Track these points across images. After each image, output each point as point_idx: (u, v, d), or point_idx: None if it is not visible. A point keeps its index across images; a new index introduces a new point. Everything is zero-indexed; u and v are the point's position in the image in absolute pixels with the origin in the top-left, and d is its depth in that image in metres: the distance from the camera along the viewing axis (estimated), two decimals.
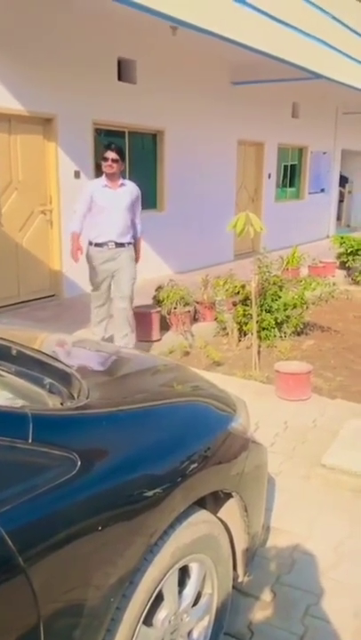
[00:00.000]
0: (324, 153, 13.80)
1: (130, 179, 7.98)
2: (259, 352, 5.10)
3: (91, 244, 4.79)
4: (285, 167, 12.58)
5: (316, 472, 3.06)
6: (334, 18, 8.37)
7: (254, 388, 4.36)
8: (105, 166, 4.71)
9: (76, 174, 7.10)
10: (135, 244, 4.94)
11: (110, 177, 4.71)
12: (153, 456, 1.48)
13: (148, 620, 1.48)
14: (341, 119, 13.91)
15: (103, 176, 4.77)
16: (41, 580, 1.12)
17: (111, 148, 4.74)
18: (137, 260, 4.97)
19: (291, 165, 12.79)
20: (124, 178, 4.92)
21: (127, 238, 4.82)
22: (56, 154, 6.81)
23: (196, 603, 1.73)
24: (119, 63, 7.60)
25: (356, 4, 9.37)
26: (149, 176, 8.54)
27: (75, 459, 1.25)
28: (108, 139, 7.74)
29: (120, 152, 4.78)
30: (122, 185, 4.80)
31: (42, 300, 6.90)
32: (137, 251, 4.98)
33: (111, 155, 4.68)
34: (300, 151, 12.98)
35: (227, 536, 1.83)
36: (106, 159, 4.70)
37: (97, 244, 4.74)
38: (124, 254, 4.79)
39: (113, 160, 4.67)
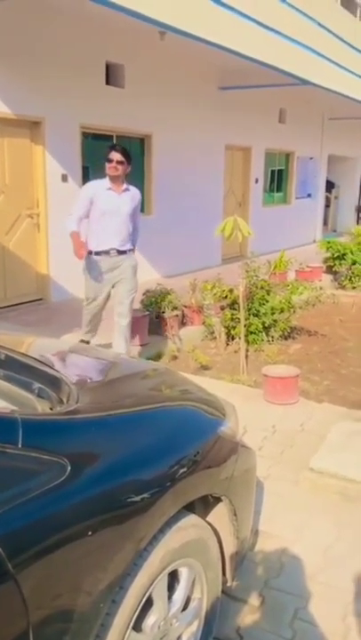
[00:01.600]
0: (311, 158, 13.91)
1: None
2: (246, 356, 5.11)
3: (89, 253, 4.46)
4: (273, 172, 12.66)
5: (305, 476, 3.07)
6: (320, 25, 8.47)
7: (242, 391, 4.36)
8: (109, 168, 4.37)
9: (64, 178, 7.09)
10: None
11: (114, 180, 4.40)
12: (143, 461, 1.47)
13: (137, 626, 1.47)
14: (328, 125, 14.03)
15: (106, 178, 4.44)
16: (30, 586, 1.11)
17: (116, 149, 4.43)
18: None
19: (278, 170, 12.87)
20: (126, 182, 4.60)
21: (129, 245, 4.57)
22: (43, 157, 6.79)
23: (185, 607, 1.72)
24: (107, 67, 7.61)
25: (341, 12, 9.48)
26: (137, 180, 8.52)
27: (65, 464, 1.25)
28: (95, 142, 7.75)
29: (126, 153, 4.43)
30: (126, 190, 4.50)
31: (29, 304, 6.87)
32: None
33: (116, 156, 4.35)
34: (287, 156, 13.07)
35: (216, 540, 1.83)
36: (110, 160, 4.36)
37: (97, 253, 4.44)
38: (126, 263, 4.52)
39: (118, 162, 4.35)
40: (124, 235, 4.50)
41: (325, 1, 8.92)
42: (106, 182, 4.44)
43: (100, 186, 4.46)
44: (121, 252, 4.49)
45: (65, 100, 6.90)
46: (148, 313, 5.64)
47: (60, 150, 6.97)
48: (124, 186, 4.48)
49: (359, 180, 17.62)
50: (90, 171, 7.56)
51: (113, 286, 4.54)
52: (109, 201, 4.39)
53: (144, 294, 5.89)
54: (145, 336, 5.51)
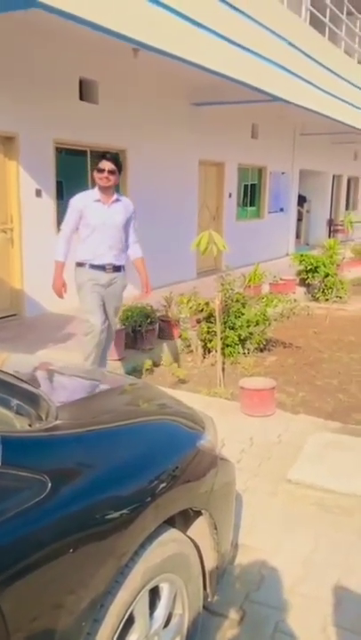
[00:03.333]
0: (283, 173, 14.14)
1: None
2: (223, 369, 5.13)
3: (82, 265, 4.20)
4: (246, 187, 12.83)
5: (283, 487, 3.09)
6: (290, 44, 8.66)
7: (219, 404, 4.38)
8: (100, 179, 4.11)
9: (38, 193, 7.07)
10: (138, 266, 4.44)
11: (105, 191, 4.16)
12: (124, 476, 1.47)
13: None
14: (299, 140, 14.30)
15: (95, 189, 4.21)
16: (11, 606, 1.10)
17: (107, 158, 4.14)
18: (147, 288, 4.46)
19: (251, 185, 13.05)
20: (118, 192, 4.39)
21: (123, 261, 4.32)
22: (17, 172, 6.77)
23: (167, 624, 1.71)
24: (81, 83, 7.65)
25: (310, 31, 9.72)
26: None
27: (45, 480, 1.24)
28: (69, 158, 7.76)
29: (117, 162, 4.18)
30: (116, 200, 4.23)
31: (3, 320, 6.79)
32: (143, 276, 4.44)
33: (107, 165, 4.09)
34: (260, 171, 13.26)
35: (197, 555, 1.83)
36: (101, 170, 4.09)
37: (93, 266, 4.18)
38: (119, 282, 4.30)
39: (110, 171, 4.08)
40: (119, 249, 4.26)
41: (296, 21, 9.13)
42: (94, 193, 4.21)
43: (88, 198, 4.22)
44: (116, 269, 4.25)
45: (39, 116, 6.90)
46: (124, 327, 5.63)
47: (34, 165, 6.96)
48: (115, 196, 4.24)
49: (330, 194, 17.97)
50: (64, 185, 7.56)
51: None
52: (98, 214, 4.16)
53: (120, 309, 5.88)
54: (122, 350, 5.50)
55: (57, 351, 5.45)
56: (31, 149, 6.86)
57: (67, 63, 7.24)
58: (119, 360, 5.42)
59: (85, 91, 7.76)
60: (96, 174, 4.14)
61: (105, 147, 8.17)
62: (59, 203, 7.48)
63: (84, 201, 4.19)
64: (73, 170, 7.93)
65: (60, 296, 4.25)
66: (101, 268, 4.19)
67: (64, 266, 4.22)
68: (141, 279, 4.46)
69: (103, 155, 4.21)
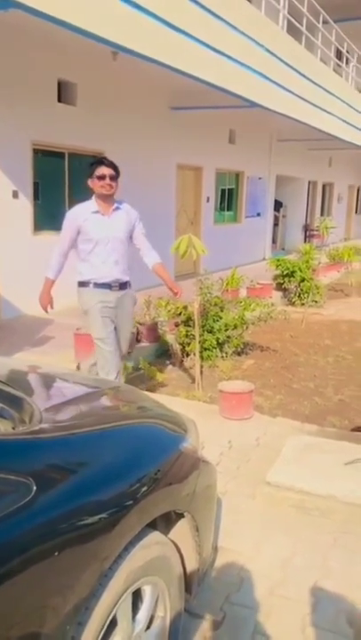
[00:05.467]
0: (260, 178, 14.27)
1: (70, 201, 8.05)
2: (201, 372, 5.15)
3: (86, 284, 3.79)
4: (223, 191, 12.91)
5: (262, 490, 3.11)
6: (268, 50, 8.75)
7: (198, 408, 4.39)
8: (102, 186, 3.70)
9: (15, 194, 7.01)
10: (159, 272, 4.07)
11: (105, 200, 3.77)
12: (108, 479, 1.47)
13: None
14: (276, 146, 14.46)
15: (92, 199, 3.81)
16: None
17: (105, 163, 3.74)
18: (176, 289, 4.09)
19: (228, 190, 13.14)
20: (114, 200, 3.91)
21: (129, 276, 3.92)
22: None
23: (148, 626, 1.71)
24: (59, 85, 7.62)
25: (287, 39, 9.84)
26: (89, 198, 8.52)
27: (30, 483, 1.23)
28: (46, 159, 7.71)
29: (116, 166, 3.78)
30: (116, 209, 3.83)
31: None
32: (167, 279, 4.09)
33: (108, 171, 3.70)
34: (237, 176, 13.36)
35: (178, 557, 1.83)
36: (102, 177, 3.69)
37: (97, 285, 3.77)
38: (127, 299, 3.91)
39: (111, 177, 3.71)
40: (125, 263, 3.87)
41: (273, 28, 9.23)
42: (91, 205, 3.80)
43: (85, 210, 3.79)
44: (123, 286, 3.86)
45: (16, 117, 6.85)
46: None
47: (11, 167, 6.90)
48: (114, 205, 3.84)
49: (305, 199, 18.20)
50: (40, 187, 7.51)
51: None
52: (99, 227, 3.75)
53: None
54: None
55: (34, 354, 5.40)
56: (8, 150, 6.80)
57: (45, 65, 7.21)
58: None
59: (64, 92, 7.74)
60: (96, 182, 3.72)
61: (83, 149, 8.17)
62: (35, 204, 7.44)
63: (83, 214, 3.76)
64: (50, 171, 7.88)
65: (46, 311, 3.95)
66: (107, 286, 3.77)
67: (53, 284, 3.87)
68: (167, 283, 4.10)
69: (101, 160, 3.81)
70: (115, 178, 3.74)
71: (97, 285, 3.77)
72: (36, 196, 7.40)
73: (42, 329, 6.27)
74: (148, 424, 1.92)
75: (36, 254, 7.23)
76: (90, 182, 3.79)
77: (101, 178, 3.71)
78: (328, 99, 11.79)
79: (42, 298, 3.90)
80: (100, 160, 3.82)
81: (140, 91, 8.92)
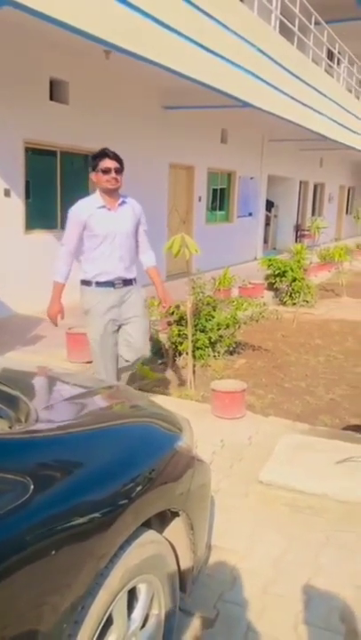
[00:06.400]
0: (252, 178, 14.31)
1: (62, 200, 8.04)
2: (193, 371, 5.16)
3: (88, 283, 3.60)
4: (215, 191, 12.93)
5: (254, 489, 3.13)
6: (260, 50, 8.78)
7: (190, 407, 4.40)
8: (107, 181, 3.49)
9: (6, 193, 6.99)
10: (152, 276, 3.87)
11: (111, 194, 3.56)
12: (105, 477, 1.47)
13: None
14: (267, 146, 14.50)
15: (96, 194, 3.61)
16: None
17: (110, 156, 3.49)
18: (166, 299, 3.88)
19: (220, 189, 13.16)
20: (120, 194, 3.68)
21: (134, 272, 3.72)
22: None
23: (143, 624, 1.72)
24: (51, 83, 7.60)
25: (279, 39, 9.87)
26: (81, 197, 8.49)
27: (28, 482, 1.24)
28: (38, 157, 7.69)
29: (120, 159, 3.54)
30: (122, 203, 3.63)
31: None
32: (159, 287, 3.86)
33: (113, 164, 3.48)
34: (229, 176, 13.39)
35: (173, 555, 1.84)
36: (107, 171, 3.47)
37: (99, 284, 3.58)
38: (133, 296, 3.67)
39: (116, 170, 3.49)
40: (130, 259, 3.67)
41: (266, 29, 9.26)
42: (96, 200, 3.60)
43: (90, 205, 3.59)
44: (127, 282, 3.65)
45: (8, 116, 6.82)
46: None
47: (3, 165, 6.87)
48: (120, 199, 3.63)
49: (297, 199, 18.27)
50: (31, 185, 7.49)
51: (119, 327, 3.69)
52: (105, 222, 3.55)
53: None
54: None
55: (26, 353, 5.39)
56: (0, 149, 6.78)
57: (37, 63, 7.19)
58: (89, 362, 5.39)
59: (56, 91, 7.72)
60: (100, 176, 3.51)
61: (75, 147, 8.16)
62: (27, 203, 7.41)
63: (88, 210, 3.55)
64: (42, 170, 7.86)
65: (55, 324, 3.64)
66: (110, 284, 3.59)
67: (63, 288, 3.59)
68: (158, 292, 3.89)
69: (104, 152, 3.52)
70: (120, 171, 3.53)
71: (99, 284, 3.59)
72: (27, 195, 7.38)
73: (33, 328, 6.25)
74: (144, 423, 1.92)
75: (27, 253, 7.23)
76: (93, 176, 3.59)
77: (106, 172, 3.49)
78: (319, 99, 11.85)
79: (51, 307, 3.59)
80: (104, 152, 3.53)
81: (132, 90, 8.92)
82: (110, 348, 3.69)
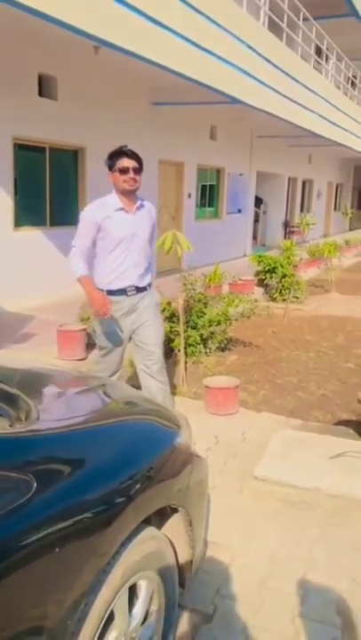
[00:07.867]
0: (241, 174, 14.32)
1: (51, 196, 8.00)
2: (185, 368, 5.16)
3: (101, 290, 3.37)
4: (204, 187, 12.93)
5: (249, 485, 3.15)
6: (249, 46, 8.78)
7: (183, 403, 4.41)
8: (125, 181, 3.28)
9: None
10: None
11: (129, 196, 3.35)
12: (106, 475, 1.48)
13: None
14: (256, 143, 14.51)
15: (113, 194, 3.39)
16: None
17: (128, 154, 3.28)
18: None
19: (209, 186, 13.16)
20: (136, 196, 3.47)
21: (149, 279, 3.52)
22: None
23: (144, 620, 1.72)
24: (40, 79, 7.54)
25: (268, 35, 9.88)
26: (70, 193, 8.48)
27: (30, 480, 1.23)
28: (26, 154, 7.63)
29: (139, 158, 3.33)
30: (141, 207, 3.43)
31: None
32: None
33: (132, 163, 3.27)
34: (218, 172, 13.39)
35: (172, 551, 1.85)
36: (125, 171, 3.26)
37: (110, 292, 3.36)
38: (147, 300, 3.47)
39: (135, 170, 3.27)
40: (144, 266, 3.46)
41: (254, 25, 9.26)
42: (114, 200, 3.38)
43: (107, 206, 3.36)
44: (140, 290, 3.44)
45: None
46: (84, 327, 5.59)
47: None
48: (138, 202, 3.44)
49: (286, 196, 18.32)
50: (19, 181, 7.44)
51: (133, 333, 3.50)
52: (124, 225, 3.33)
53: (81, 307, 5.84)
54: (82, 350, 5.46)
55: (16, 351, 5.36)
56: None
57: (25, 58, 7.13)
58: (80, 360, 5.38)
59: (45, 87, 7.66)
60: (118, 177, 3.29)
61: (64, 144, 8.12)
62: (16, 199, 7.36)
63: (104, 211, 3.33)
64: (31, 166, 7.81)
65: (107, 314, 3.29)
66: (122, 292, 3.39)
67: (91, 279, 3.33)
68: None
69: (122, 151, 3.30)
70: (139, 171, 3.30)
71: (111, 293, 3.36)
72: (16, 191, 7.33)
73: (24, 326, 6.22)
74: (143, 420, 1.93)
75: (16, 250, 7.18)
76: (111, 176, 3.35)
77: (124, 171, 3.27)
78: (308, 95, 11.88)
79: (95, 299, 3.27)
80: (122, 150, 3.31)
81: (122, 85, 8.88)
82: (115, 363, 3.56)
